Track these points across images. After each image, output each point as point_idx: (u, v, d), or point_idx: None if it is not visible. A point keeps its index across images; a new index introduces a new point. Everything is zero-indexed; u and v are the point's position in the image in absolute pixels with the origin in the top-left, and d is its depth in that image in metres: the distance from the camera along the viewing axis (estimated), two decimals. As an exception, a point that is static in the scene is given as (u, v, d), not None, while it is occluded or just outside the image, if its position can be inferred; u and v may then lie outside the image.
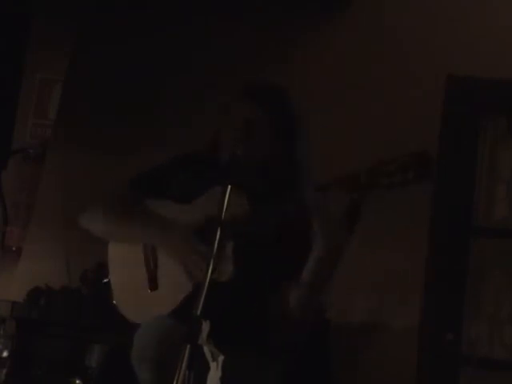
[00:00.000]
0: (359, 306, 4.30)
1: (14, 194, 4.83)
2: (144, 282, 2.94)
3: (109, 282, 3.09)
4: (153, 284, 2.93)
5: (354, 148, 4.38)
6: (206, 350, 2.42)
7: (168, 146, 4.43)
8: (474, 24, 4.45)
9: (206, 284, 2.32)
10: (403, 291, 4.25)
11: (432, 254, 4.33)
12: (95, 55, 4.79)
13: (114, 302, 3.00)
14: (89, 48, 4.82)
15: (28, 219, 4.72)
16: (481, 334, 4.40)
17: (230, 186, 2.49)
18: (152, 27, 4.71)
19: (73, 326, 4.06)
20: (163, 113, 4.57)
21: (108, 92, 4.70)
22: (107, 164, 4.54)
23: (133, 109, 4.62)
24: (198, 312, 2.28)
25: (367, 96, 4.47)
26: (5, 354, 3.99)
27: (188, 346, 2.25)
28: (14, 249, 4.75)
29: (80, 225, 3.09)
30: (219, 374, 2.44)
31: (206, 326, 2.28)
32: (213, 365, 2.41)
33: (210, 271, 2.35)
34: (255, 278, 2.94)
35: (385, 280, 4.27)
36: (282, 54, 4.57)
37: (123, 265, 3.04)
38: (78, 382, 3.92)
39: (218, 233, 2.41)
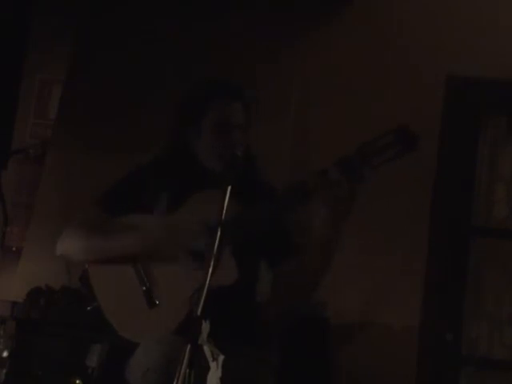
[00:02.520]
0: (359, 305, 4.30)
1: (14, 193, 4.83)
2: (140, 301, 2.88)
3: (96, 307, 3.02)
4: (151, 301, 2.87)
5: (353, 148, 4.37)
6: (206, 349, 2.42)
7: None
8: (474, 24, 4.45)
9: (207, 284, 2.32)
10: (403, 291, 4.25)
11: (432, 254, 4.33)
12: (95, 55, 4.79)
13: (113, 326, 2.92)
14: (89, 48, 4.82)
15: (28, 219, 4.71)
16: (481, 334, 4.40)
17: (230, 187, 2.48)
18: (152, 27, 4.71)
19: (73, 325, 4.05)
20: (163, 113, 4.56)
21: (108, 92, 4.70)
22: (107, 164, 4.53)
23: (133, 109, 4.62)
24: (199, 312, 2.28)
25: (367, 96, 4.47)
26: (5, 354, 3.99)
27: (188, 346, 2.25)
28: (13, 249, 4.74)
29: (57, 252, 3.03)
30: (219, 373, 2.43)
31: (206, 326, 2.28)
32: (213, 364, 2.41)
33: (210, 272, 2.34)
34: (250, 276, 2.94)
35: (385, 280, 4.27)
36: (282, 54, 4.57)
37: (113, 287, 2.95)
38: (78, 382, 3.92)
39: (219, 233, 2.40)
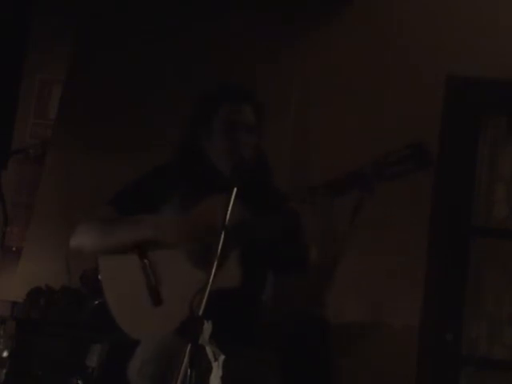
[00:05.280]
0: (359, 306, 4.30)
1: (14, 193, 4.83)
2: (145, 298, 2.89)
3: (103, 303, 3.04)
4: (156, 299, 2.89)
5: (353, 148, 4.38)
6: (208, 350, 2.42)
7: (168, 146, 4.43)
8: (474, 24, 4.45)
9: (209, 286, 2.32)
10: (403, 291, 4.25)
11: (432, 254, 4.33)
12: (95, 55, 4.79)
13: (117, 322, 2.96)
14: (89, 48, 4.81)
15: (28, 219, 4.71)
16: (481, 334, 4.40)
17: (235, 189, 2.49)
18: (152, 27, 4.71)
19: (73, 326, 4.05)
20: (163, 113, 4.57)
21: (108, 92, 4.70)
22: (107, 164, 4.54)
23: (133, 109, 4.62)
24: (200, 312, 2.28)
25: (367, 96, 4.47)
26: (5, 354, 3.99)
27: (189, 346, 2.25)
28: (13, 249, 4.74)
29: (71, 246, 3.06)
30: (220, 373, 2.44)
31: (208, 327, 2.28)
32: (215, 365, 2.42)
33: (213, 273, 2.34)
34: (254, 280, 2.95)
35: (385, 280, 4.27)
36: (282, 54, 4.57)
37: (119, 283, 2.97)
38: (77, 382, 3.92)
39: (222, 235, 2.40)
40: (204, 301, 2.30)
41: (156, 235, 2.89)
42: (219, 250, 2.38)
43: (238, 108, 3.00)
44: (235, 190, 2.48)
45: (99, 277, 3.02)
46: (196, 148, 3.05)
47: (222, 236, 2.39)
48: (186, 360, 2.24)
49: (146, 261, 2.91)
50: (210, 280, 2.32)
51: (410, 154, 2.68)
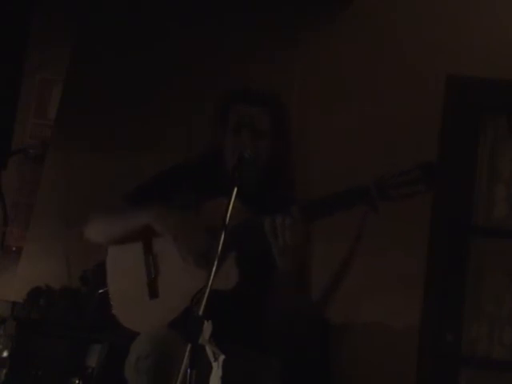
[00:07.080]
0: (359, 306, 4.30)
1: (14, 194, 4.82)
2: (144, 291, 2.94)
3: (106, 291, 3.08)
4: (153, 292, 2.92)
5: (353, 148, 4.38)
6: (207, 349, 2.42)
7: (168, 146, 4.44)
8: (474, 24, 4.45)
9: (209, 286, 2.32)
10: (403, 291, 4.25)
11: (432, 254, 4.33)
12: (95, 55, 4.78)
13: (113, 311, 2.99)
14: (89, 48, 4.81)
15: (28, 219, 4.71)
16: (481, 334, 4.40)
17: (236, 188, 2.50)
18: (152, 27, 4.71)
19: (73, 325, 4.05)
20: (163, 113, 4.57)
21: (108, 92, 4.70)
22: (107, 164, 4.54)
23: (133, 109, 4.62)
24: (200, 312, 2.29)
25: (367, 96, 4.47)
26: (5, 354, 3.99)
27: (189, 346, 2.26)
28: (14, 249, 4.74)
29: (84, 236, 3.13)
30: (220, 372, 2.44)
31: (208, 326, 2.28)
32: (215, 365, 2.42)
33: (213, 273, 2.35)
34: (253, 282, 2.95)
35: (385, 280, 4.27)
36: (282, 54, 4.57)
37: (123, 273, 3.04)
38: (77, 382, 3.92)
39: (223, 235, 2.41)
40: (204, 301, 2.30)
41: (156, 225, 2.92)
42: (219, 249, 2.39)
43: (247, 109, 3.05)
44: (235, 190, 2.50)
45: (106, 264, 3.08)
46: (216, 147, 3.11)
47: (223, 236, 2.40)
48: (185, 360, 2.25)
49: (149, 255, 2.95)
50: (211, 280, 2.33)
51: (420, 176, 2.63)
